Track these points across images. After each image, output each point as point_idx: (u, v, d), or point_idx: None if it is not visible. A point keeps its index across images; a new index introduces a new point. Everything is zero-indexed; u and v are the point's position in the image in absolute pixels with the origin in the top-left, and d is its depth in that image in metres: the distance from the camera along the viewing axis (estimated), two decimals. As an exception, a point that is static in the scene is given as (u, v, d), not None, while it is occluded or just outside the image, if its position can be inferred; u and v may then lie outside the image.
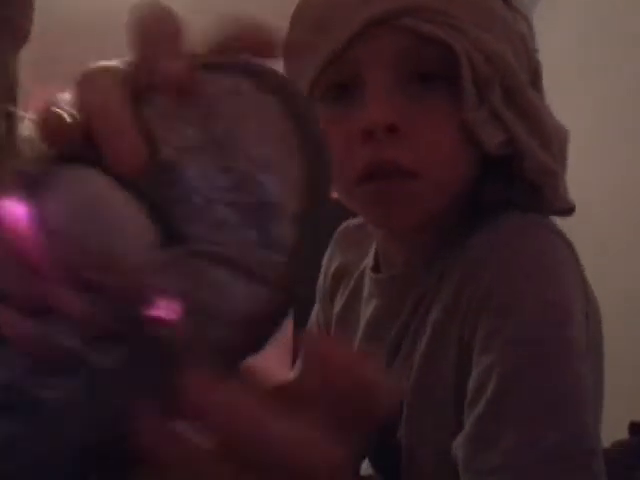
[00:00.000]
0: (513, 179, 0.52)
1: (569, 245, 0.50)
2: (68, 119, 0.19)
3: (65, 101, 0.20)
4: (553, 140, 0.51)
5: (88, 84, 0.20)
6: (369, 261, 0.62)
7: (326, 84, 0.52)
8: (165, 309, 0.18)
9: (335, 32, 0.49)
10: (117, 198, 0.19)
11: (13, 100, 0.49)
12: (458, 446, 0.44)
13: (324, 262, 0.69)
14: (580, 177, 1.95)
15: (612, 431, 0.72)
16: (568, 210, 0.54)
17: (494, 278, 0.46)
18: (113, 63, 0.21)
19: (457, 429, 0.46)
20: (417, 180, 0.48)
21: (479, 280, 0.47)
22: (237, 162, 0.20)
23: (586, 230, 1.87)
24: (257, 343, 0.19)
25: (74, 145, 0.19)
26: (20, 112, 0.49)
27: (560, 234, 0.50)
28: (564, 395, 0.43)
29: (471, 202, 0.54)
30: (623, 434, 0.83)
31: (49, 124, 0.19)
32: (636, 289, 1.57)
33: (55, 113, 0.19)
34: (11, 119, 0.48)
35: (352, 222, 0.69)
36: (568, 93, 2.04)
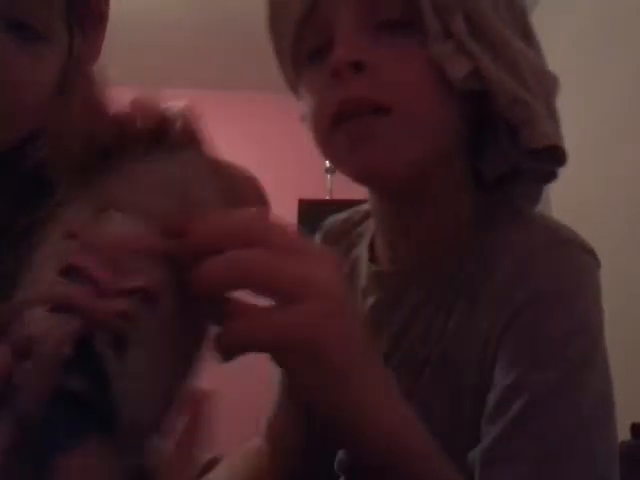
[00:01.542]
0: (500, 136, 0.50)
1: (598, 264, 0.49)
2: None
3: None
4: (524, 71, 0.48)
5: None
6: (362, 252, 0.61)
7: (306, 52, 0.51)
8: None
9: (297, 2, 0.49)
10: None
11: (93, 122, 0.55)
12: (476, 458, 0.44)
13: None
14: (579, 179, 1.95)
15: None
16: (557, 151, 0.50)
17: (529, 294, 0.46)
18: None
19: (471, 414, 0.46)
20: (390, 115, 0.46)
21: (516, 291, 0.46)
22: None
23: (584, 230, 1.87)
24: None
25: None
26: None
27: (592, 252, 0.49)
28: (581, 427, 0.42)
29: (471, 180, 0.54)
30: (625, 436, 0.83)
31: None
32: (636, 291, 1.56)
33: None
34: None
35: (338, 216, 0.68)
36: (567, 95, 2.04)
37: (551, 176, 0.55)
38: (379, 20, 0.47)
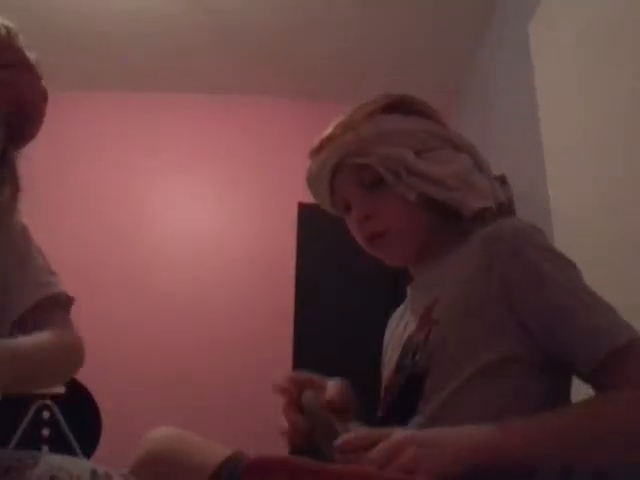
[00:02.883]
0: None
1: (535, 229, 0.86)
2: None
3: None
4: (445, 181, 0.92)
5: None
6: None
7: (342, 208, 1.02)
8: None
9: (323, 189, 1.02)
10: None
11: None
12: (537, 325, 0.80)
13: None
14: (578, 179, 1.94)
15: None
16: (481, 212, 0.94)
17: (511, 243, 0.84)
18: None
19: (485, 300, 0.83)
20: (388, 234, 0.94)
21: (499, 244, 0.84)
22: None
23: (584, 230, 1.86)
24: None
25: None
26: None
27: (528, 223, 0.87)
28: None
29: (454, 228, 0.96)
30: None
31: None
32: (636, 292, 1.56)
33: None
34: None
35: None
36: (567, 95, 2.04)
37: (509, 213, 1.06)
38: (366, 184, 0.96)
